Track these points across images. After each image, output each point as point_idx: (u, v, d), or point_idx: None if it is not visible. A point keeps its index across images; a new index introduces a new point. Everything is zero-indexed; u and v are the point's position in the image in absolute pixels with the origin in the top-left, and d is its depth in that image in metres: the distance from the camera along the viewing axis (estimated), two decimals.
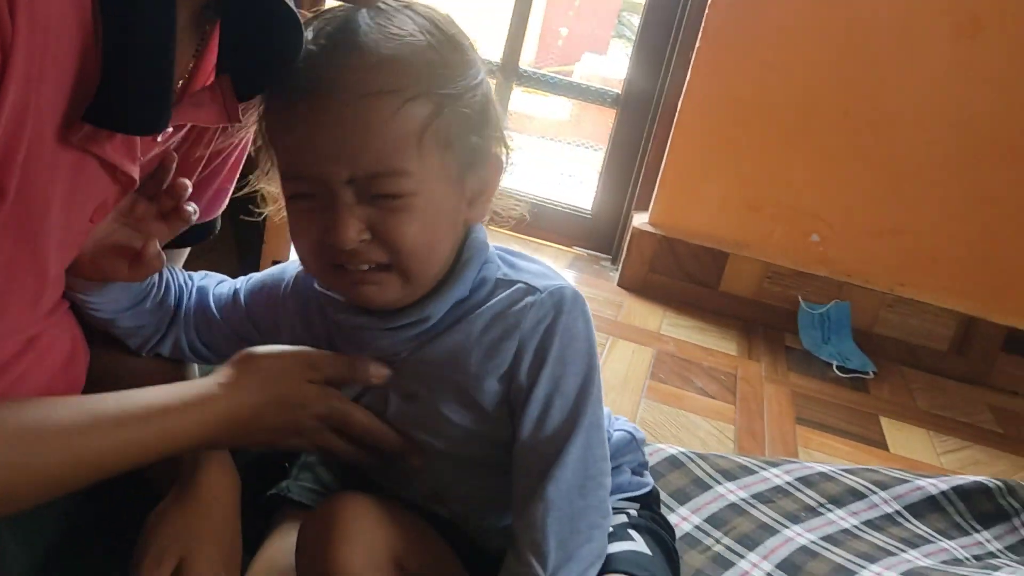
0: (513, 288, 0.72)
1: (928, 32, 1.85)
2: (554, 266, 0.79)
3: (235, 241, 1.76)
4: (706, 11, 1.90)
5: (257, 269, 1.58)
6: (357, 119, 0.63)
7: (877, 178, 1.96)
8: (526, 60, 2.67)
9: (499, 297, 0.71)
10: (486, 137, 0.71)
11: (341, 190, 0.65)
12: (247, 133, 0.75)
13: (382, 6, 0.67)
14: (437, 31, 0.68)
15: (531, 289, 0.71)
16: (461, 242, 0.73)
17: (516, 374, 0.70)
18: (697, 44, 1.93)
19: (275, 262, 1.58)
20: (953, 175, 1.92)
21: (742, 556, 1.08)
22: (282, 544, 0.78)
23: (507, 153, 0.73)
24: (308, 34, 0.67)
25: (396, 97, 0.63)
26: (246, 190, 0.77)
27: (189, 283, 0.83)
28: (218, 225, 0.84)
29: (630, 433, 0.86)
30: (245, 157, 0.81)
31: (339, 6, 0.68)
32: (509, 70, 2.21)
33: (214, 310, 0.81)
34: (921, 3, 1.83)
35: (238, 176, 0.81)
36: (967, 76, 1.85)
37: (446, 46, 0.68)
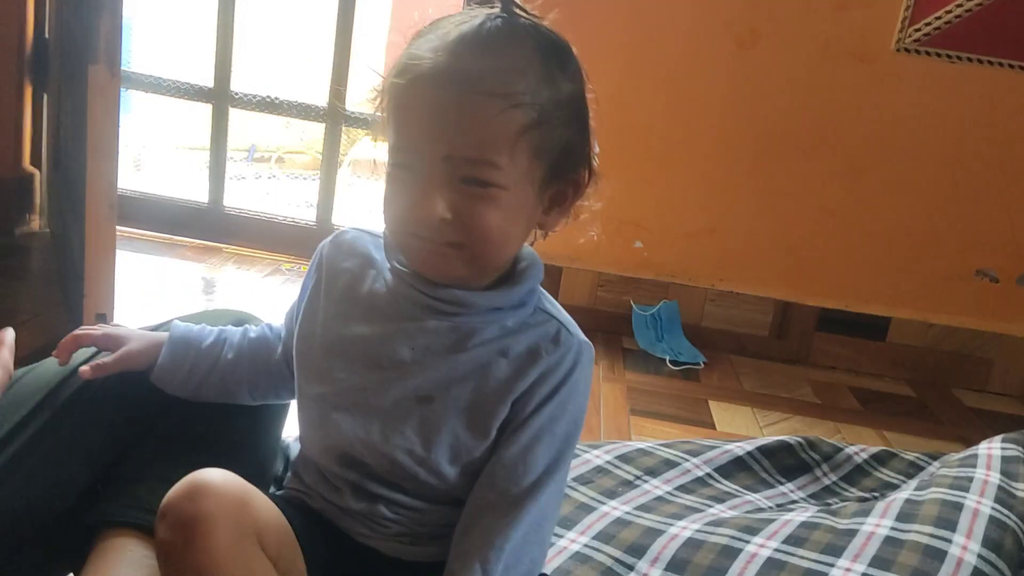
0: (550, 323, 0.78)
1: (713, 43, 2.01)
2: None
3: (60, 292, 1.73)
4: None
5: (80, 322, 1.57)
6: (464, 110, 0.70)
7: (687, 183, 2.10)
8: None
9: (538, 326, 0.78)
10: (574, 155, 0.77)
11: (436, 166, 0.71)
12: None
13: (515, 18, 0.74)
14: (554, 53, 0.75)
15: (567, 332, 0.78)
16: (518, 258, 0.79)
17: (524, 401, 0.76)
18: None
19: (98, 315, 1.57)
20: (754, 174, 2.08)
21: (562, 536, 1.14)
22: (102, 566, 0.78)
23: (591, 175, 0.79)
24: (440, 26, 0.74)
25: (503, 100, 0.70)
26: None
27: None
28: None
29: None
30: None
31: (477, 9, 0.75)
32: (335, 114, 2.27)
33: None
34: (704, 17, 2.00)
35: None
36: (753, 82, 2.03)
37: (558, 67, 0.75)
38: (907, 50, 1.98)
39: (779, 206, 2.09)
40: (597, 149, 0.81)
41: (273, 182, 3.31)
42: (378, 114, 0.78)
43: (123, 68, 1.54)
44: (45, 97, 2.13)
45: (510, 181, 0.72)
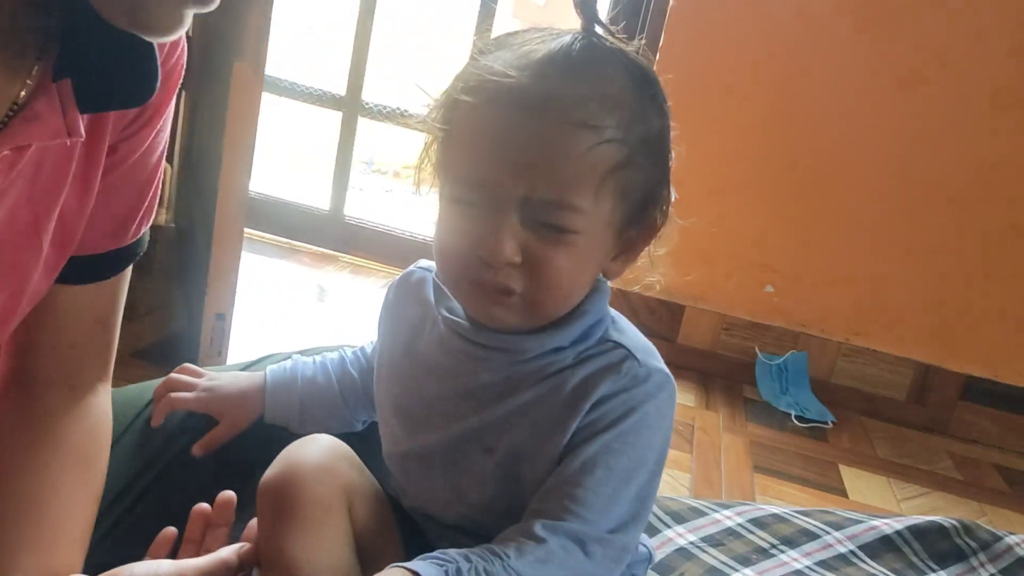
0: (615, 351, 0.69)
1: (868, 85, 1.89)
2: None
3: (180, 288, 1.73)
4: (654, 66, 1.94)
5: (199, 319, 1.55)
6: (551, 143, 0.62)
7: (828, 228, 1.97)
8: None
9: (600, 356, 0.69)
10: (654, 197, 0.69)
11: (511, 206, 0.63)
12: (151, 141, 0.72)
13: (599, 40, 0.67)
14: (646, 83, 0.67)
15: (635, 360, 0.68)
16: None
17: (580, 430, 0.67)
18: None
19: (218, 315, 1.55)
20: (902, 224, 1.93)
21: None
22: None
23: (663, 219, 0.71)
24: (518, 41, 0.66)
25: (595, 135, 0.62)
26: None
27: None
28: (143, 245, 0.79)
29: (647, 549, 0.82)
30: (161, 170, 0.77)
31: (551, 26, 0.68)
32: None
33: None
34: (864, 54, 1.88)
35: (158, 192, 0.76)
36: (908, 127, 1.89)
37: (650, 99, 0.67)
38: None
39: (929, 261, 1.94)
40: (675, 195, 0.71)
41: (390, 195, 3.31)
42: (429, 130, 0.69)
43: None
44: (183, 93, 2.16)
45: (589, 226, 0.64)
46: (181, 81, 0.70)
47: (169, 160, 2.20)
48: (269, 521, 0.69)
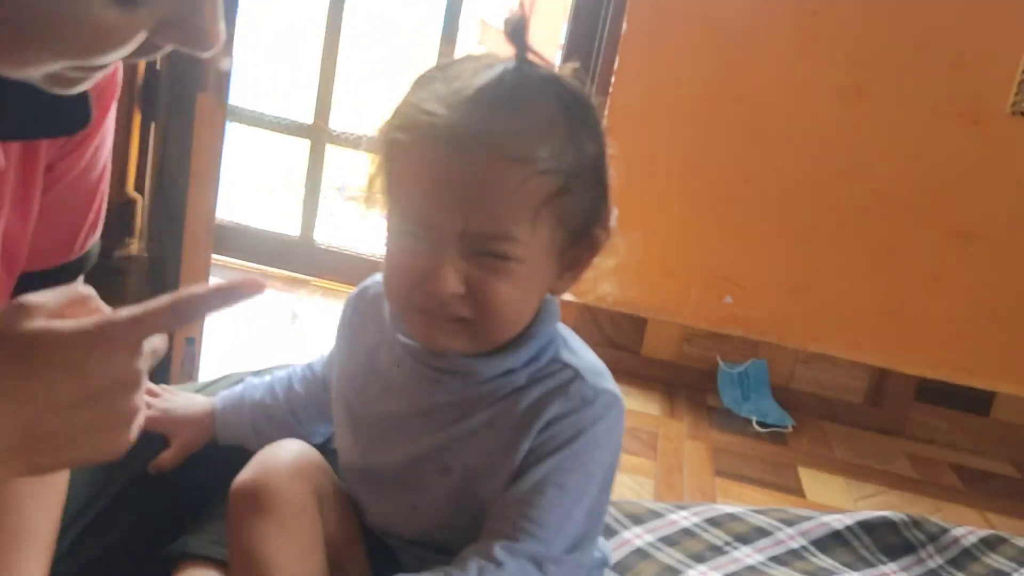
0: (564, 372, 0.72)
1: (814, 101, 1.96)
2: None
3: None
4: (610, 89, 2.01)
5: (170, 347, 1.58)
6: (484, 180, 0.64)
7: (783, 240, 2.04)
8: None
9: (550, 377, 0.72)
10: (594, 217, 0.71)
11: (451, 240, 0.65)
12: (90, 158, 0.70)
13: (531, 69, 0.67)
14: (579, 109, 0.69)
15: (583, 381, 0.71)
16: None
17: (532, 450, 0.70)
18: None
19: (188, 339, 1.58)
20: (854, 233, 2.00)
21: None
22: None
23: (606, 235, 0.73)
24: (452, 73, 0.67)
25: (527, 168, 0.64)
26: None
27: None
28: (91, 259, 0.80)
29: (603, 553, 0.85)
30: (107, 180, 0.78)
31: (489, 56, 0.69)
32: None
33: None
34: (808, 71, 1.95)
35: (103, 206, 0.77)
36: (853, 139, 1.96)
37: (583, 125, 0.69)
38: (1022, 113, 1.89)
39: (880, 268, 2.01)
40: (616, 211, 0.74)
41: (363, 221, 3.35)
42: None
43: None
44: (152, 125, 2.20)
45: (529, 254, 0.67)
46: (117, 96, 0.72)
47: (139, 191, 2.24)
48: (242, 522, 0.72)
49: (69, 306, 0.56)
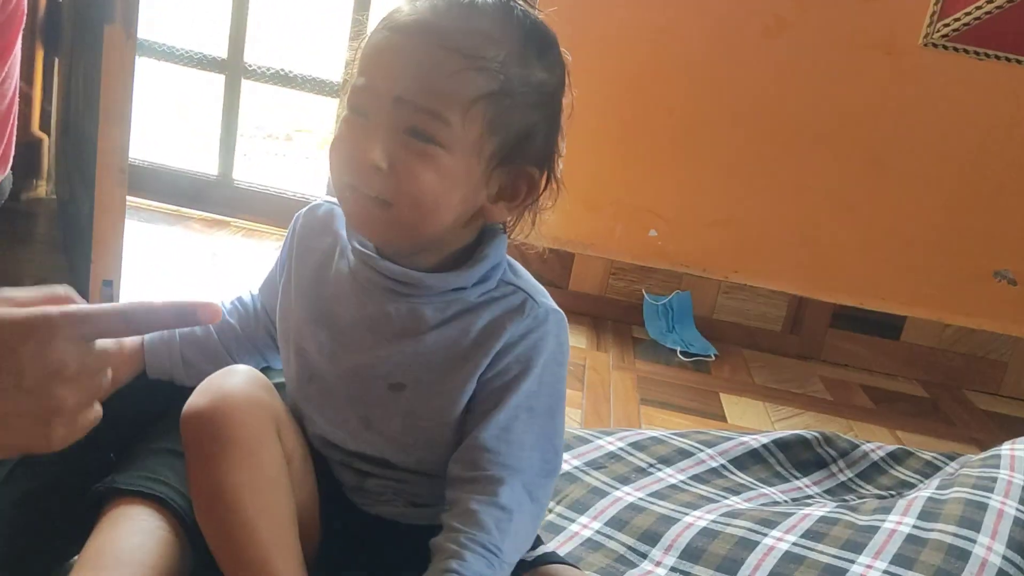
0: (515, 294, 0.75)
1: (736, 33, 1.98)
2: None
3: (65, 259, 1.71)
4: None
5: (86, 288, 1.54)
6: (429, 58, 0.67)
7: (704, 173, 2.07)
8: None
9: (502, 299, 0.74)
10: (533, 146, 0.73)
11: (385, 108, 0.68)
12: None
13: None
14: (537, 38, 0.72)
15: (533, 302, 0.74)
16: (481, 237, 0.76)
17: (492, 377, 0.73)
18: None
19: (105, 281, 1.54)
20: (773, 165, 2.05)
21: (573, 520, 1.12)
22: (111, 533, 0.77)
23: (550, 180, 0.75)
24: None
25: (467, 60, 0.67)
26: None
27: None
28: (2, 195, 0.76)
29: None
30: (15, 114, 0.75)
31: None
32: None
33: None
34: (727, 6, 1.97)
35: (12, 137, 0.74)
36: (774, 72, 1.99)
37: (537, 53, 0.72)
38: (935, 45, 1.94)
39: (797, 199, 2.06)
40: (563, 153, 0.77)
41: (283, 159, 3.28)
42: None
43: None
44: (56, 61, 2.10)
45: (455, 144, 0.68)
46: (23, 26, 0.69)
47: (45, 130, 2.15)
48: (202, 453, 0.70)
49: (44, 303, 0.55)
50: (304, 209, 0.84)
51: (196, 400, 0.72)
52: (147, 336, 0.87)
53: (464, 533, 0.68)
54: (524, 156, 0.73)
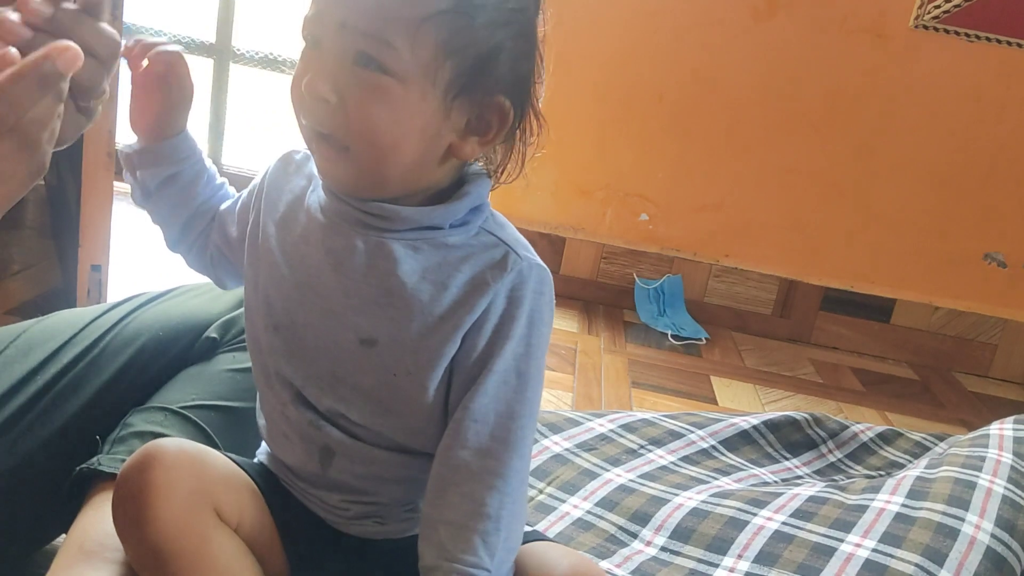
0: (497, 247, 0.68)
1: (727, 17, 1.97)
2: None
3: (54, 244, 1.70)
4: None
5: (73, 274, 1.53)
6: None
7: (697, 157, 2.07)
8: None
9: (482, 251, 0.68)
10: (499, 70, 0.65)
11: (332, 35, 0.63)
12: None
13: None
14: None
15: (516, 255, 0.68)
16: (463, 180, 0.69)
17: (476, 337, 0.67)
18: None
19: (93, 266, 1.53)
20: (763, 150, 2.05)
21: (563, 501, 1.12)
22: (95, 516, 0.76)
23: (526, 112, 0.68)
24: None
25: None
26: None
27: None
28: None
29: None
30: None
31: None
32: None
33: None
34: None
35: None
36: (764, 56, 1.99)
37: None
38: (925, 27, 1.94)
39: (788, 183, 2.06)
40: (542, 92, 0.69)
41: (270, 145, 3.27)
42: None
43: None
44: None
45: (407, 72, 0.62)
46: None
47: None
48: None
49: None
50: (279, 156, 0.78)
51: (119, 503, 0.67)
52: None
53: (472, 526, 0.65)
54: (490, 84, 0.65)
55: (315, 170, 0.72)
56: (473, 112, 0.66)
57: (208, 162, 0.81)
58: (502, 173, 0.71)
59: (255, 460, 0.80)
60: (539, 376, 0.69)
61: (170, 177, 0.78)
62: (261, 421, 0.79)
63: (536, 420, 0.70)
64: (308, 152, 0.74)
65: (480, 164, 0.72)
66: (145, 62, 0.72)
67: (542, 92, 0.70)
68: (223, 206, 0.81)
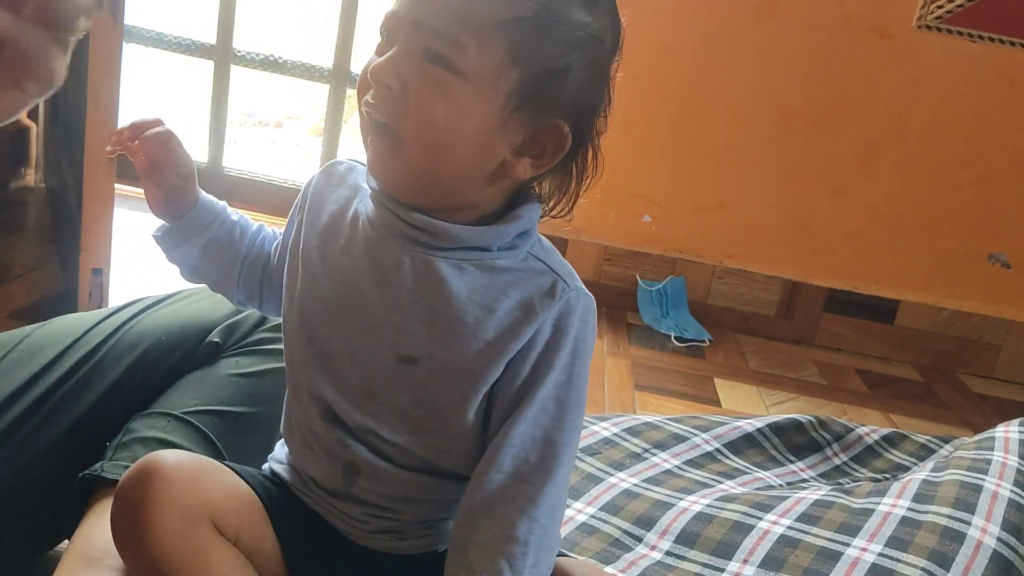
0: (545, 274, 0.68)
1: (729, 17, 1.97)
2: None
3: (55, 247, 1.69)
4: None
5: (75, 278, 1.53)
6: None
7: (698, 158, 2.06)
8: None
9: (531, 277, 0.67)
10: (564, 93, 0.66)
11: (406, 32, 0.64)
12: None
13: None
14: None
15: (565, 284, 0.67)
16: (514, 203, 0.69)
17: (520, 364, 0.67)
18: None
19: (94, 270, 1.53)
20: (766, 150, 2.04)
21: (568, 506, 1.11)
22: (98, 523, 0.76)
23: (582, 145, 0.68)
24: None
25: None
26: None
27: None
28: None
29: None
30: None
31: None
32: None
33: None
34: None
35: None
36: (767, 56, 1.98)
37: (591, 3, 0.65)
38: (928, 27, 1.93)
39: (791, 183, 2.05)
40: (604, 128, 0.70)
41: (273, 146, 3.26)
42: None
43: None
44: None
45: (472, 72, 0.62)
46: None
47: (33, 119, 2.12)
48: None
49: None
50: (322, 168, 0.77)
51: (117, 516, 0.67)
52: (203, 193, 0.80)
53: (499, 548, 0.64)
54: (551, 104, 0.65)
55: (361, 180, 0.73)
56: (530, 131, 0.66)
57: (235, 214, 0.81)
58: (552, 207, 0.71)
59: (264, 467, 0.79)
60: (578, 405, 0.69)
61: (205, 245, 0.79)
62: (285, 431, 0.78)
63: (575, 447, 0.69)
64: (351, 163, 0.75)
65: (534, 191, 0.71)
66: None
67: (604, 128, 0.70)
68: (274, 245, 0.80)
